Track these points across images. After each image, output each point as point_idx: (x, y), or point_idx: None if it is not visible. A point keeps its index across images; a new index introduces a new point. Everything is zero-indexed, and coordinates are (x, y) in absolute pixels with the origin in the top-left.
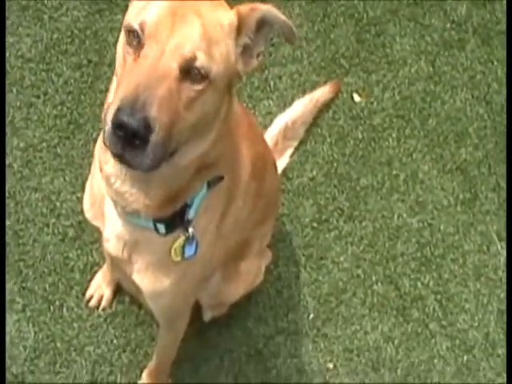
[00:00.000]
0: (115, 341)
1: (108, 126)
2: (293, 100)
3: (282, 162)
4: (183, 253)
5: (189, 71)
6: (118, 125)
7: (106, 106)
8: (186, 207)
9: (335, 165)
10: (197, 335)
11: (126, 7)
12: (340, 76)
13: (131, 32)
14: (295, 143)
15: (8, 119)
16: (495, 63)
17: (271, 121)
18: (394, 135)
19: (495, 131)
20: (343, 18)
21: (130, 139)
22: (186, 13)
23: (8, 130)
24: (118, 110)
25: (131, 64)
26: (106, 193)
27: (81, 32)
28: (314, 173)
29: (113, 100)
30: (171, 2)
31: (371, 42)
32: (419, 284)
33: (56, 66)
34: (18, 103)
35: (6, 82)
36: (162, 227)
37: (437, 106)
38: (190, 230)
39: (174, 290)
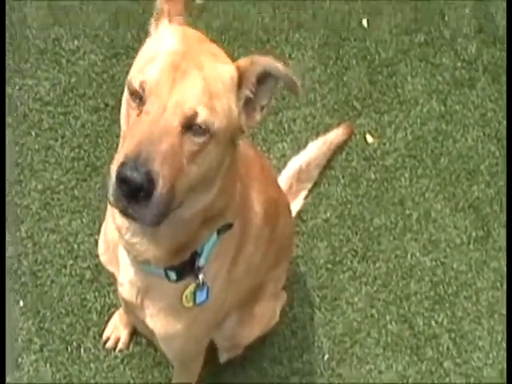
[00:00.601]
0: (132, 382)
1: (112, 180)
2: (307, 142)
3: (296, 205)
4: (195, 299)
5: (190, 126)
6: (121, 179)
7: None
8: (195, 255)
9: (349, 206)
10: (212, 376)
11: None
12: (353, 118)
13: (133, 90)
14: (309, 185)
15: (26, 161)
16: (505, 100)
17: (285, 163)
18: (406, 175)
19: (507, 168)
20: (355, 59)
21: (134, 194)
22: (188, 67)
23: (26, 172)
24: (122, 164)
25: (134, 119)
26: (119, 241)
27: (98, 76)
28: (328, 214)
29: (117, 155)
30: (173, 57)
31: (383, 83)
32: (433, 322)
33: (74, 110)
34: (37, 146)
35: (25, 125)
36: (172, 274)
37: (448, 144)
38: (201, 276)
39: (186, 335)
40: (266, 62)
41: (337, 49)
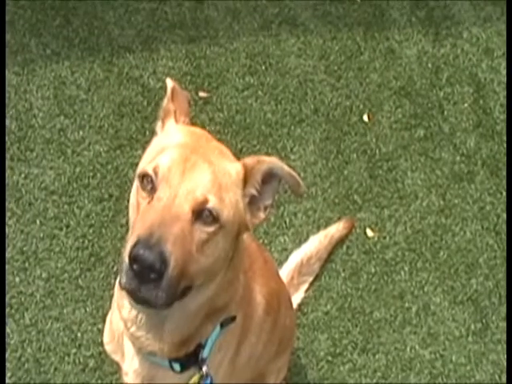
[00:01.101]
0: None
1: (125, 262)
2: (308, 236)
3: (297, 297)
4: None
5: (200, 214)
6: (134, 258)
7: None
8: (199, 347)
9: (349, 299)
10: None
11: (146, 144)
12: (353, 212)
13: (145, 177)
14: (310, 279)
15: (31, 250)
16: (503, 193)
17: (287, 257)
18: (406, 269)
19: (505, 261)
20: (356, 154)
21: (146, 273)
22: (197, 160)
23: (31, 260)
24: (135, 245)
25: (145, 207)
26: (124, 333)
27: (102, 167)
28: (329, 307)
29: (128, 239)
30: (183, 149)
31: (383, 178)
32: None
33: (78, 199)
34: (41, 234)
35: (30, 213)
36: (177, 366)
37: (448, 238)
38: (204, 368)
39: None
40: (271, 161)
41: (338, 143)
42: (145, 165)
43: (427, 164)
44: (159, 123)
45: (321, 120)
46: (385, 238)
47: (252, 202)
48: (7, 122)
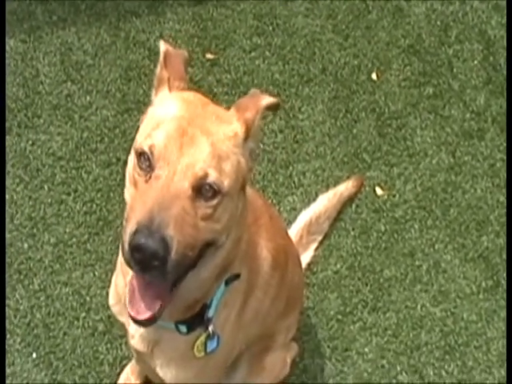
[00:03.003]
0: None
1: (126, 249)
2: (317, 195)
3: (306, 257)
4: (205, 348)
5: (200, 189)
6: (135, 247)
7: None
8: (205, 308)
9: (359, 258)
10: None
11: None
12: (362, 170)
13: (142, 154)
14: (320, 237)
15: (39, 215)
16: None
17: (295, 216)
18: (416, 226)
19: None
20: (365, 112)
21: (149, 261)
22: (195, 132)
23: (39, 225)
24: (135, 232)
25: (143, 186)
26: None
27: (110, 131)
28: (338, 266)
29: (128, 222)
30: (179, 123)
31: (392, 136)
32: (443, 373)
33: (86, 164)
34: (49, 200)
35: (38, 180)
36: (183, 328)
37: (458, 195)
38: (211, 327)
39: (197, 382)
40: (268, 102)
41: (346, 102)
42: (141, 140)
43: (437, 122)
44: (153, 92)
45: (329, 79)
46: (394, 196)
47: (250, 152)
48: (14, 89)
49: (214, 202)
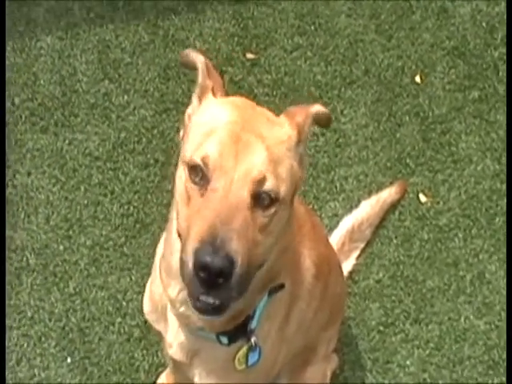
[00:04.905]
0: None
1: (189, 269)
2: (359, 201)
3: (348, 265)
4: (247, 361)
5: (258, 198)
6: (201, 266)
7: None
8: (248, 319)
9: (401, 267)
10: None
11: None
12: (406, 176)
13: (194, 167)
14: (362, 245)
15: (76, 217)
16: None
17: (337, 223)
18: (460, 235)
19: None
20: (408, 116)
21: (215, 279)
22: (249, 138)
23: (75, 227)
24: (198, 251)
25: (198, 201)
26: (170, 310)
27: (148, 131)
28: (381, 275)
29: (187, 241)
30: (232, 128)
31: (437, 141)
32: None
33: (123, 165)
34: (86, 201)
35: (74, 180)
36: (224, 339)
37: (503, 204)
38: (253, 339)
39: None
40: (318, 109)
41: (389, 105)
42: (192, 152)
43: (482, 127)
44: (194, 101)
45: (372, 81)
46: (438, 203)
47: (301, 155)
48: (51, 87)
49: (272, 210)
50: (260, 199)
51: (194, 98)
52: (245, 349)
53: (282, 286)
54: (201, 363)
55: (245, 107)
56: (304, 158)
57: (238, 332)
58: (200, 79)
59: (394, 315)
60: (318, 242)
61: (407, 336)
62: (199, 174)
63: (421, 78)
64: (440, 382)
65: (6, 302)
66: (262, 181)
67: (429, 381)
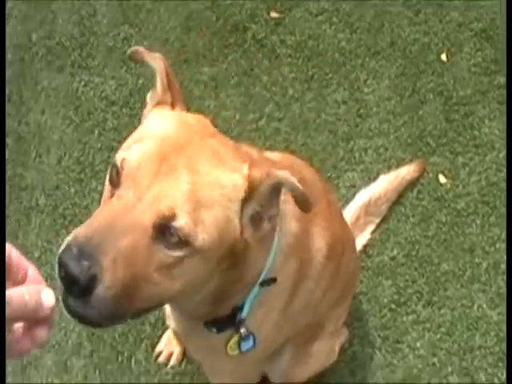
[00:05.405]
0: None
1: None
2: (378, 174)
3: (362, 238)
4: (240, 347)
5: (163, 232)
6: (59, 263)
7: None
8: (236, 310)
9: (417, 246)
10: None
11: (214, 64)
12: (426, 155)
13: (113, 168)
14: (377, 220)
15: (88, 161)
16: None
17: (354, 194)
18: (478, 222)
19: None
20: (432, 94)
21: (70, 285)
22: (177, 163)
23: (87, 171)
24: (66, 247)
25: (104, 203)
26: None
27: None
28: (395, 252)
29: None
30: (162, 144)
31: (459, 123)
32: (496, 380)
33: (139, 113)
34: (99, 145)
35: (89, 123)
36: (213, 328)
37: None
38: (242, 330)
39: (234, 371)
40: (283, 177)
41: (413, 81)
42: (120, 152)
43: (505, 114)
44: (149, 106)
45: (397, 55)
46: (457, 186)
47: (254, 216)
48: (69, 27)
49: (177, 253)
50: (166, 233)
51: (149, 104)
52: (235, 338)
53: (274, 280)
54: (195, 342)
55: (195, 130)
56: (259, 221)
57: (227, 322)
58: (158, 90)
59: (406, 295)
60: (333, 220)
61: (419, 317)
62: (117, 175)
63: (447, 57)
64: (449, 368)
65: (14, 240)
66: (169, 217)
67: (438, 365)
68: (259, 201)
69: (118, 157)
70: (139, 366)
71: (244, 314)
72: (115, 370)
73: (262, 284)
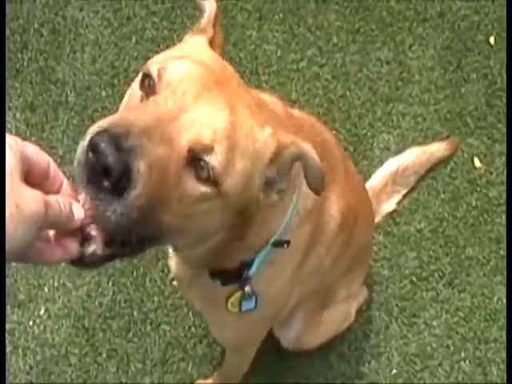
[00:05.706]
0: (193, 329)
1: (84, 141)
2: (413, 142)
3: (388, 206)
4: (240, 306)
5: (196, 161)
6: (93, 146)
7: None
8: (245, 265)
9: (444, 224)
10: (275, 352)
11: None
12: (463, 135)
13: (147, 77)
14: (404, 191)
15: (123, 66)
16: None
17: (387, 157)
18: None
19: None
20: (476, 75)
21: (101, 176)
22: (219, 97)
23: (121, 77)
24: (101, 132)
25: (137, 104)
26: None
27: None
28: (422, 225)
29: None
30: (207, 74)
31: (501, 109)
32: (507, 376)
33: (179, 28)
34: (135, 53)
35: (127, 28)
36: (218, 280)
37: None
38: (247, 288)
39: (237, 327)
40: (307, 149)
41: (459, 57)
42: (154, 60)
43: None
44: (189, 34)
45: (445, 26)
46: (491, 173)
47: (267, 183)
48: None
49: (203, 188)
50: (197, 166)
51: (191, 32)
52: (238, 294)
53: (287, 243)
54: (198, 291)
55: (233, 76)
56: (272, 184)
57: (233, 276)
58: (203, 22)
59: (428, 270)
60: (349, 191)
61: (438, 296)
62: (150, 83)
63: (495, 40)
64: (463, 354)
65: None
66: (206, 148)
67: (452, 349)
68: (278, 167)
69: (153, 66)
70: (153, 285)
71: (252, 271)
72: (129, 284)
73: (275, 244)
